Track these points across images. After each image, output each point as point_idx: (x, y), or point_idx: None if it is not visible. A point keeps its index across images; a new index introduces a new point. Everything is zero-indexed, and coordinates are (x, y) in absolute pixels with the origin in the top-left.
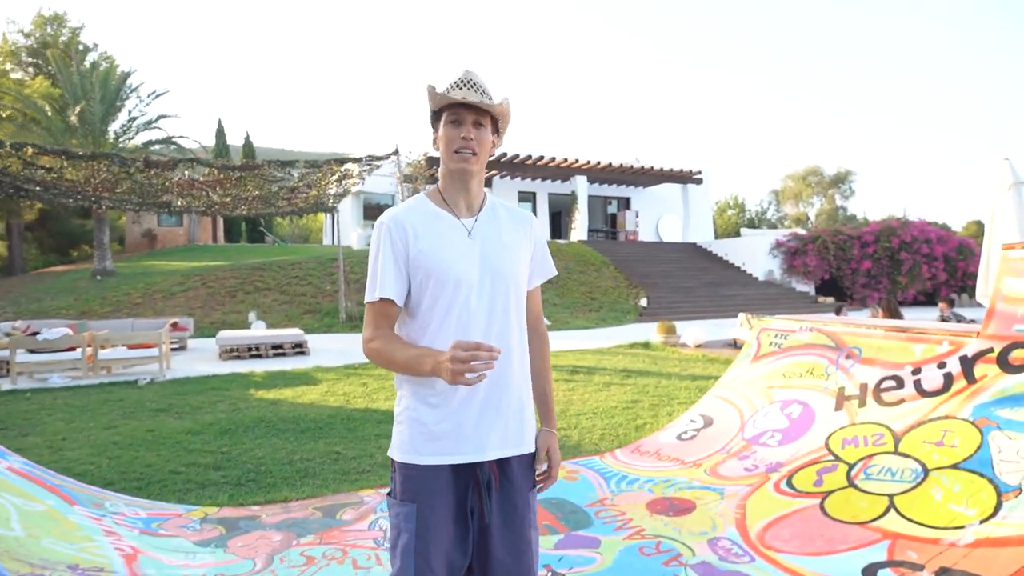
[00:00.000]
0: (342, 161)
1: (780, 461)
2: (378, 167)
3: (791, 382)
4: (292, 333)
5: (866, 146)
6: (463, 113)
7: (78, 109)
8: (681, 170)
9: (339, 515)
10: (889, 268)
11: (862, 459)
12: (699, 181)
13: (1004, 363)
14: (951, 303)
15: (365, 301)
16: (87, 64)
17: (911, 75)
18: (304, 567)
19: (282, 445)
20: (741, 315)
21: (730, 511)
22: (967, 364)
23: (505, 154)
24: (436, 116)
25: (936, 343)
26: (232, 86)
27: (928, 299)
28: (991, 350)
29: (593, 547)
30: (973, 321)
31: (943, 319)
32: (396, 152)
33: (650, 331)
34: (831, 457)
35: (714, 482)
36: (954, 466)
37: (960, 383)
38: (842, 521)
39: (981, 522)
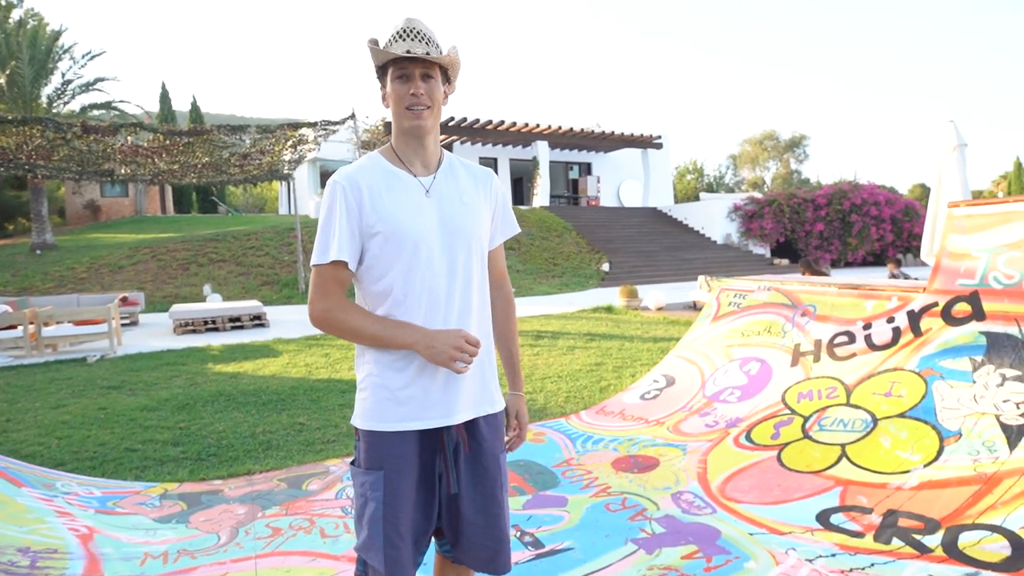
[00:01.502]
0: (296, 126)
1: (739, 416)
2: (334, 131)
3: (749, 340)
4: (250, 305)
5: (820, 111)
6: (410, 67)
7: (7, 71)
8: (641, 135)
9: (305, 485)
10: (840, 230)
11: (816, 412)
12: (659, 146)
13: (948, 316)
14: (898, 263)
15: (313, 264)
16: (11, 22)
17: (863, 40)
18: (270, 538)
19: (243, 418)
20: (701, 278)
21: (692, 466)
22: (914, 318)
23: (465, 119)
24: (382, 71)
25: (886, 299)
26: (176, 49)
27: (876, 260)
28: (936, 304)
29: (560, 506)
30: (917, 279)
31: (892, 277)
32: (352, 117)
33: (612, 295)
34: (787, 411)
35: (676, 439)
36: (901, 415)
37: (907, 336)
38: (797, 471)
39: (925, 466)
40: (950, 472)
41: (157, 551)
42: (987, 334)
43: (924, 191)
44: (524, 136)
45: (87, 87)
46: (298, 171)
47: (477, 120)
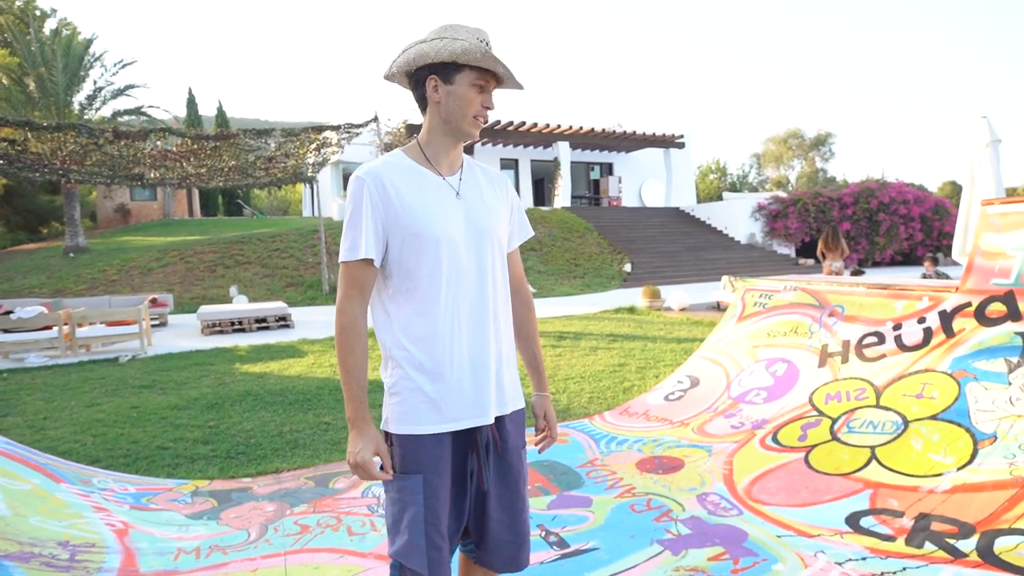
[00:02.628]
0: (320, 129)
1: (765, 418)
2: (357, 135)
3: (775, 341)
4: (275, 306)
5: (846, 108)
6: (490, 80)
7: (37, 78)
8: (663, 135)
9: (332, 484)
10: (868, 229)
11: (845, 413)
12: (681, 145)
13: (981, 316)
14: (935, 262)
15: (342, 260)
16: (46, 31)
17: (889, 37)
18: (299, 535)
19: (270, 418)
20: (724, 278)
21: (718, 467)
22: (946, 319)
23: (486, 120)
24: (455, 68)
25: (916, 299)
26: (203, 55)
27: (905, 259)
28: (969, 304)
29: (585, 506)
30: (948, 278)
31: (925, 276)
32: (375, 119)
33: (635, 296)
34: (815, 412)
35: (702, 440)
36: (933, 417)
37: (939, 337)
38: (826, 473)
39: (958, 469)
40: (985, 476)
41: (190, 547)
42: (1022, 335)
43: (955, 189)
44: (545, 137)
45: (118, 93)
46: (321, 173)
47: (498, 121)
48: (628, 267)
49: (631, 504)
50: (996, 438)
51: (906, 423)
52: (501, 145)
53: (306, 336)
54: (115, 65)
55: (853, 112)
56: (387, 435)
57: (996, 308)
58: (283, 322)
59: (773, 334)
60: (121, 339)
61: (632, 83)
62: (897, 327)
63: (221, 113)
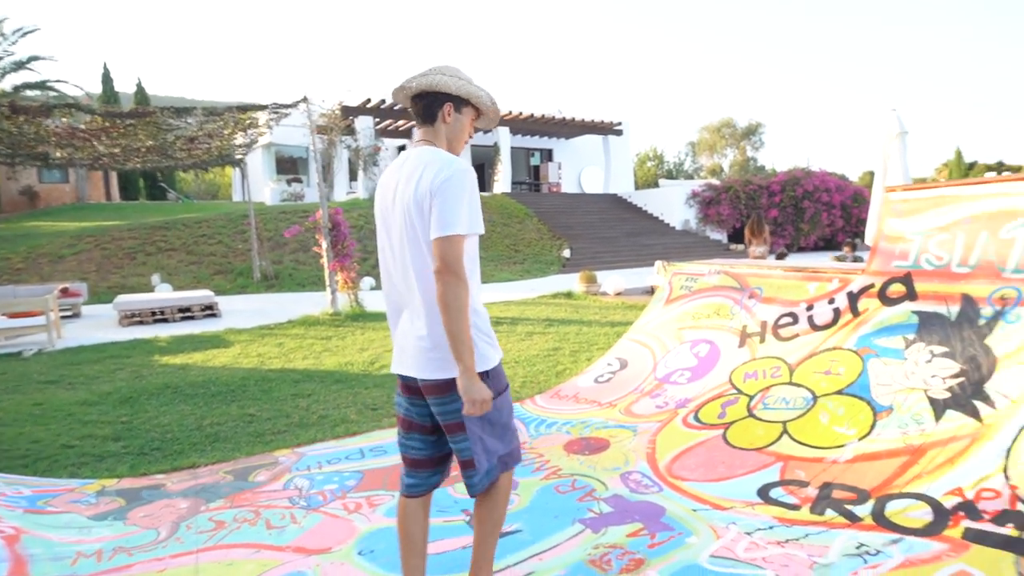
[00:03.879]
0: (245, 109)
1: (688, 397)
2: (286, 115)
3: (700, 323)
4: (201, 295)
5: (775, 99)
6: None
7: None
8: (602, 121)
9: (252, 477)
10: (793, 216)
11: (761, 391)
12: (619, 132)
13: (884, 297)
14: (854, 247)
15: (464, 232)
16: None
17: (815, 30)
18: (213, 531)
19: (190, 411)
20: (657, 263)
21: (642, 446)
22: (853, 299)
23: None
24: (465, 103)
25: (827, 281)
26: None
27: (827, 245)
28: (873, 285)
29: (511, 489)
30: (862, 261)
31: (839, 259)
32: (305, 100)
33: (572, 281)
34: (734, 391)
35: (628, 420)
36: (839, 392)
37: (847, 316)
38: (741, 448)
39: (859, 440)
40: (881, 445)
41: (90, 549)
42: (919, 313)
43: (872, 178)
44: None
45: (19, 66)
46: (251, 156)
47: None
48: (567, 253)
49: (556, 486)
50: (892, 410)
51: (815, 398)
52: None
53: (233, 325)
54: (14, 33)
55: (782, 103)
56: (484, 374)
57: (896, 289)
58: (209, 311)
59: (698, 316)
60: (26, 332)
61: (572, 70)
62: (810, 308)
63: (140, 90)
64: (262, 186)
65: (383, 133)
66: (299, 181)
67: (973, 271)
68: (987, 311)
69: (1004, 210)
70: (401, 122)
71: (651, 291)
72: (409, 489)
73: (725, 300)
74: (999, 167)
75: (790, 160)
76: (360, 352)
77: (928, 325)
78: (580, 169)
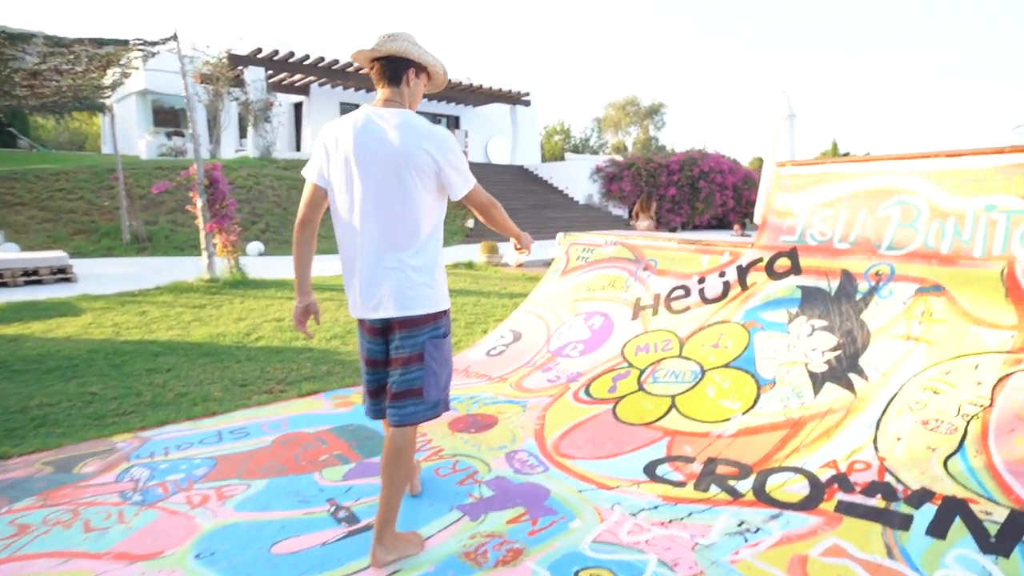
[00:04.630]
0: (101, 43)
1: (580, 371)
2: (154, 54)
3: (595, 294)
4: (51, 256)
5: (677, 80)
6: None
7: None
8: (510, 91)
9: (77, 468)
10: (690, 195)
11: (651, 364)
12: (527, 103)
13: (771, 271)
14: (744, 226)
15: (475, 183)
16: None
17: (719, 13)
18: (12, 539)
19: (15, 390)
20: (559, 235)
21: (530, 423)
22: (742, 272)
23: (322, 59)
24: (423, 69)
25: (719, 254)
26: None
27: (719, 224)
28: (761, 259)
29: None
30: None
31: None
32: (175, 38)
33: (474, 252)
34: (625, 364)
35: (518, 395)
36: (726, 365)
37: (736, 290)
38: (630, 424)
39: (743, 414)
40: (764, 419)
41: None
42: (802, 287)
43: (761, 163)
44: None
45: None
46: (124, 105)
47: (336, 61)
48: (471, 223)
49: (436, 468)
50: (775, 383)
51: (703, 372)
52: (341, 87)
53: (89, 291)
54: None
55: (683, 85)
56: (440, 313)
57: (783, 263)
58: (62, 275)
59: (593, 288)
60: None
61: (481, 36)
62: (701, 280)
63: None
64: (137, 138)
65: (276, 87)
66: (180, 135)
67: (852, 247)
68: (863, 286)
69: (882, 188)
70: (298, 76)
71: (551, 262)
72: (377, 415)
73: (620, 272)
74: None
75: (689, 141)
76: (236, 322)
77: (810, 299)
78: (487, 138)
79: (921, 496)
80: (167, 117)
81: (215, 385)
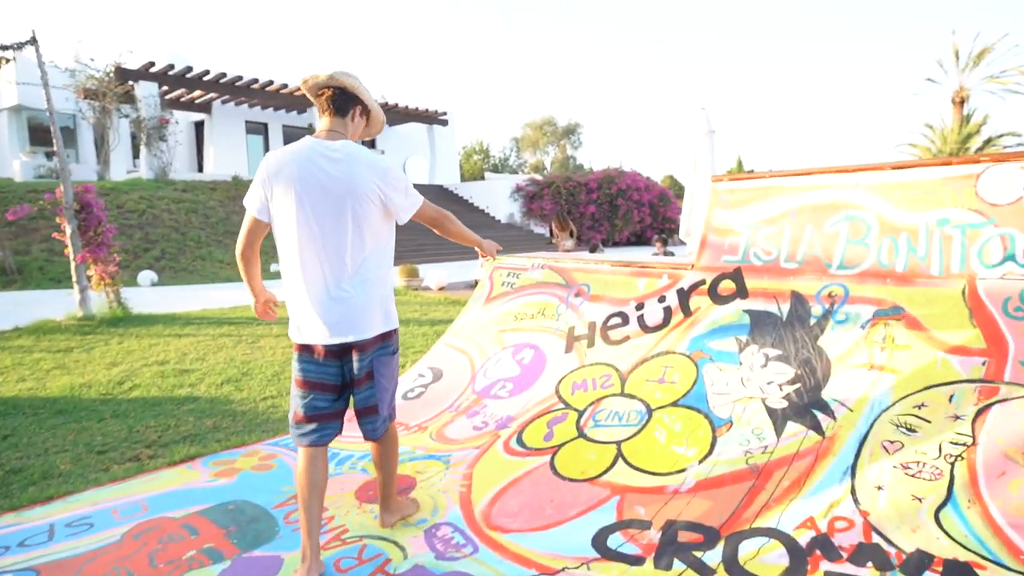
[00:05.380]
0: None
1: (511, 415)
2: (8, 60)
3: (523, 324)
4: None
5: (591, 101)
6: None
7: None
8: (427, 110)
9: None
10: (609, 212)
11: (591, 404)
12: (444, 122)
13: (714, 294)
14: (665, 242)
15: (421, 201)
16: None
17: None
18: None
19: None
20: (481, 258)
21: (455, 484)
22: (683, 297)
23: (224, 74)
24: (367, 112)
25: (656, 277)
26: None
27: (638, 239)
28: (703, 282)
29: (272, 572)
30: (673, 255)
31: (655, 256)
32: (34, 42)
33: (393, 275)
34: (561, 405)
35: (440, 448)
36: (674, 403)
37: (678, 316)
38: (571, 479)
39: (700, 462)
40: (724, 467)
41: None
42: (750, 312)
43: (673, 182)
44: (299, 100)
45: None
46: None
47: (240, 77)
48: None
49: (336, 559)
50: (732, 423)
51: (650, 412)
52: (246, 105)
53: None
54: None
55: (597, 105)
56: (393, 332)
57: (727, 286)
58: None
59: (520, 316)
60: None
61: (397, 55)
62: (640, 307)
63: None
64: (10, 158)
65: (174, 104)
66: None
67: (801, 266)
68: (817, 309)
69: (829, 203)
70: (197, 93)
71: (474, 285)
72: (316, 440)
73: (550, 298)
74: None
75: (605, 160)
76: (107, 369)
77: (760, 325)
78: (405, 158)
79: (919, 562)
80: (46, 136)
81: (63, 455)
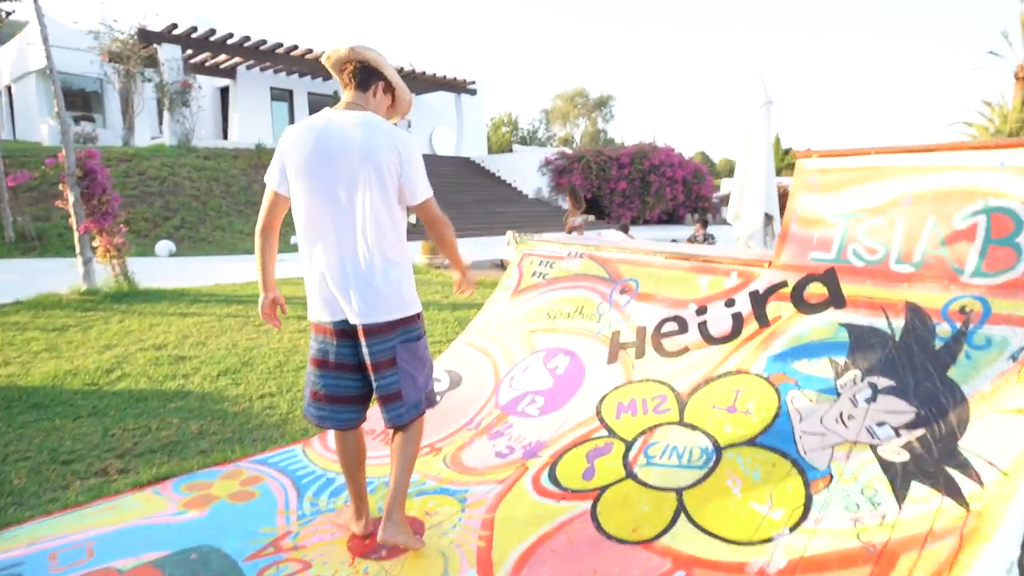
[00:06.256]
0: None
1: (541, 440)
2: (8, 14)
3: (556, 324)
4: None
5: (625, 72)
6: None
7: None
8: (455, 79)
9: None
10: (640, 189)
11: (642, 434)
12: (473, 92)
13: (799, 300)
14: (705, 224)
15: (431, 196)
16: None
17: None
18: None
19: None
20: (508, 233)
21: (471, 536)
22: (758, 302)
23: (248, 38)
24: (391, 89)
25: (723, 275)
26: None
27: (670, 218)
28: (784, 284)
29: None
30: (714, 239)
31: (693, 239)
32: None
33: (415, 251)
34: (604, 432)
35: (455, 480)
36: (750, 442)
37: (752, 326)
38: (620, 540)
39: (791, 529)
40: (826, 542)
41: None
42: (849, 327)
43: (704, 158)
44: (324, 67)
45: None
46: (23, 85)
47: (264, 41)
48: (412, 219)
49: None
50: (832, 477)
51: (718, 451)
52: (271, 71)
53: None
54: None
55: (630, 77)
56: (416, 315)
57: (816, 290)
58: None
59: (554, 315)
60: None
61: (425, 21)
62: (702, 311)
63: None
64: (38, 122)
65: (198, 69)
66: (90, 119)
67: (919, 271)
68: (944, 329)
69: (961, 188)
70: (222, 58)
71: (501, 265)
72: (332, 424)
73: (590, 294)
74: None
75: (636, 135)
76: (100, 352)
77: (864, 345)
78: (431, 128)
79: None
80: (74, 100)
81: (22, 464)
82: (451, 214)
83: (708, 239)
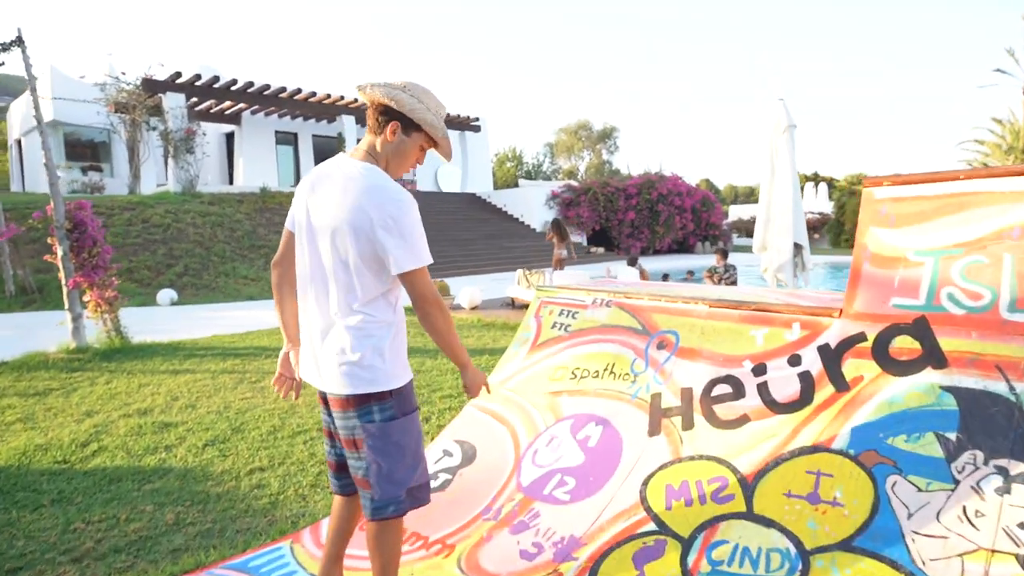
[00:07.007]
0: None
1: (575, 535)
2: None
3: (584, 385)
4: None
5: (627, 105)
6: (431, 146)
7: None
8: (459, 116)
9: None
10: (649, 219)
11: (701, 529)
12: (477, 129)
13: (884, 358)
14: (725, 254)
15: (424, 264)
16: None
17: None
18: None
19: None
20: (519, 271)
21: None
22: (831, 359)
23: (251, 83)
24: (415, 127)
25: (783, 326)
26: None
27: (680, 247)
28: (863, 337)
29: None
30: (735, 270)
31: (713, 272)
32: (19, 42)
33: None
34: (652, 525)
35: None
36: (845, 545)
37: (825, 390)
38: None
39: None
40: None
41: None
42: (955, 391)
43: (709, 185)
44: (328, 109)
45: None
46: (33, 137)
47: (267, 86)
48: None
49: None
50: None
51: (804, 556)
52: (276, 115)
53: None
54: None
55: (633, 109)
56: (387, 393)
57: (905, 344)
58: None
59: (581, 374)
60: None
61: (428, 62)
62: (760, 369)
63: None
64: (44, 173)
65: (204, 116)
66: (98, 169)
67: None
68: None
69: None
70: (227, 104)
71: (511, 304)
72: (337, 489)
73: (622, 349)
74: (829, 180)
75: (641, 164)
76: (79, 421)
77: (979, 415)
78: (436, 166)
79: None
80: (83, 150)
81: None
82: (459, 251)
83: (729, 270)
